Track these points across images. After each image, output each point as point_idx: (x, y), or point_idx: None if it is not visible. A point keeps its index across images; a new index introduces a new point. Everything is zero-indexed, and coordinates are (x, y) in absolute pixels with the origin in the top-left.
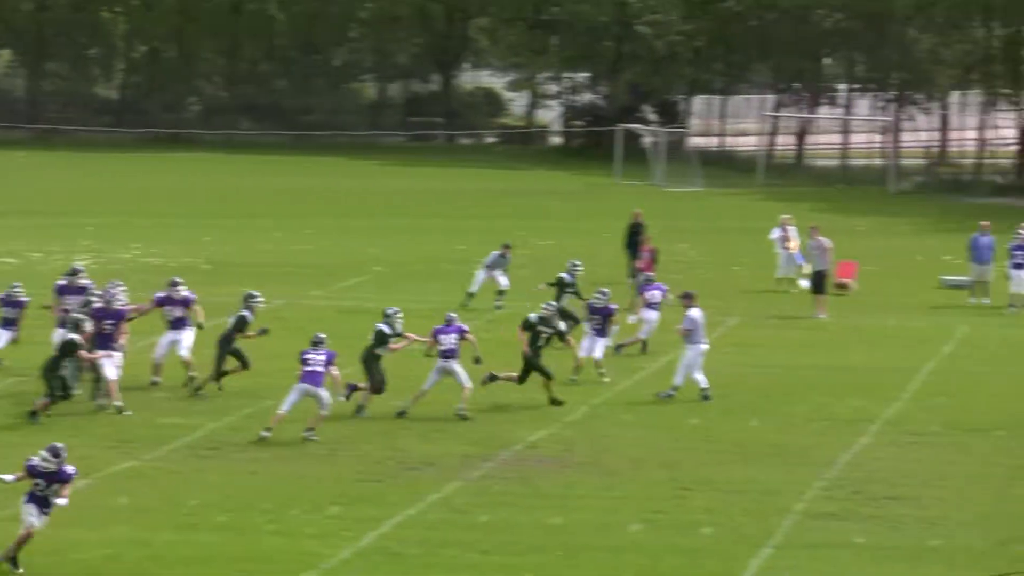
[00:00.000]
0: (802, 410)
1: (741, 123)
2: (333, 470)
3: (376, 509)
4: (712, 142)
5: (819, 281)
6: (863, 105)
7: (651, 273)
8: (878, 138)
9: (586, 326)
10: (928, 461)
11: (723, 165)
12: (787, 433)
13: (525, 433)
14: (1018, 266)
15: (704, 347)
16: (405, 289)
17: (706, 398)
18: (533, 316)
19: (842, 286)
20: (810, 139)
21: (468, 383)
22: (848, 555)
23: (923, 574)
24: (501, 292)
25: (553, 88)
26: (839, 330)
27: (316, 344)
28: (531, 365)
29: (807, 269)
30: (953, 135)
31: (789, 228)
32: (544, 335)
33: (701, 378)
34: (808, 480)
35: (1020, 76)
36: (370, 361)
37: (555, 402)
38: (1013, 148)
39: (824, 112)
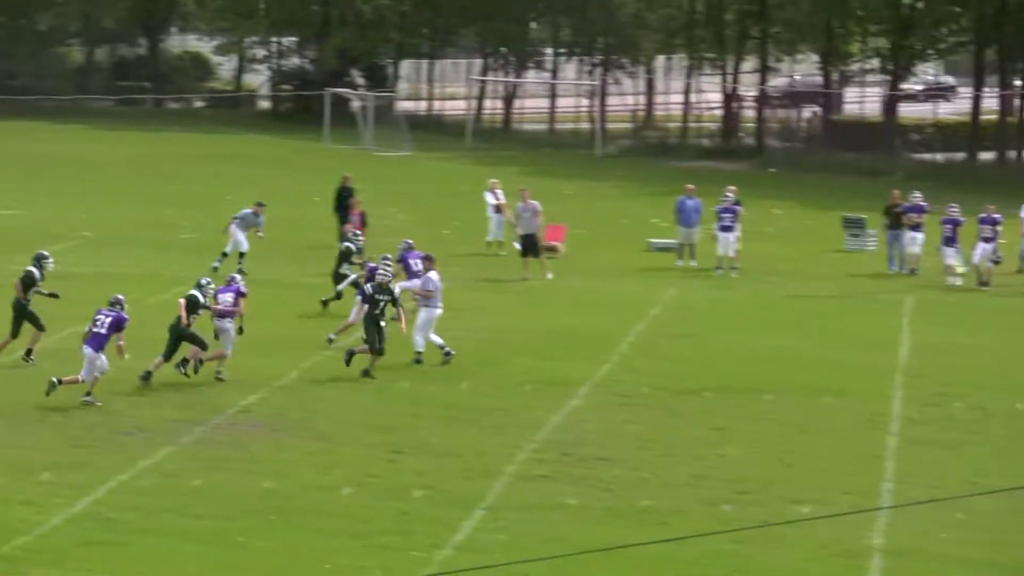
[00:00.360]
0: (512, 372)
1: (449, 87)
2: (44, 436)
3: (88, 475)
4: (420, 106)
5: (530, 244)
6: (569, 70)
7: (410, 240)
8: (585, 102)
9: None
10: (638, 423)
11: (432, 129)
12: (497, 396)
13: (237, 398)
14: (725, 229)
15: (439, 312)
16: (114, 254)
17: (418, 362)
18: (369, 287)
19: (551, 249)
20: (517, 103)
21: (229, 349)
22: (560, 516)
23: (634, 535)
24: (225, 254)
25: (261, 52)
26: (549, 293)
27: (112, 305)
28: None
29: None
30: (659, 99)
31: (498, 192)
32: (381, 302)
33: (420, 341)
34: (519, 443)
35: (724, 40)
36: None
37: (367, 373)
38: (718, 112)
39: (531, 77)
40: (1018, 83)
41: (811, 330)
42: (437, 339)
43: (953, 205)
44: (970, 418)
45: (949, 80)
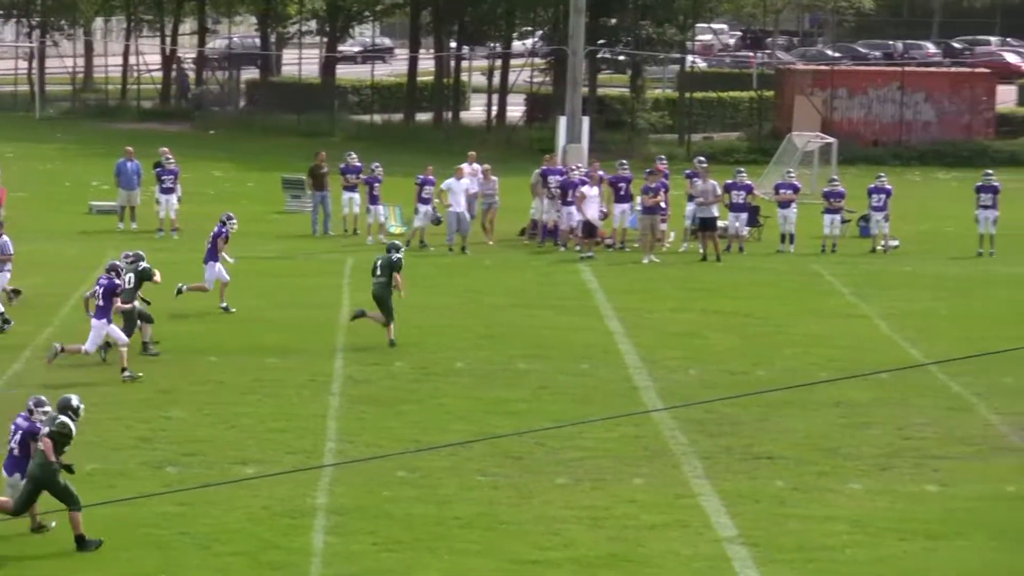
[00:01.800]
0: None
1: None
2: None
3: None
4: None
5: None
6: (8, 31)
7: None
8: (23, 64)
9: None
10: (82, 385)
11: None
12: None
13: None
14: (166, 191)
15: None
16: None
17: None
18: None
19: None
20: None
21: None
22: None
23: (81, 498)
24: None
25: None
26: None
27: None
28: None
29: None
30: (98, 61)
31: None
32: None
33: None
34: None
35: (162, 2)
36: None
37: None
38: (157, 74)
39: None
40: (453, 45)
41: (255, 290)
42: None
43: (376, 164)
44: (411, 377)
45: (386, 42)
